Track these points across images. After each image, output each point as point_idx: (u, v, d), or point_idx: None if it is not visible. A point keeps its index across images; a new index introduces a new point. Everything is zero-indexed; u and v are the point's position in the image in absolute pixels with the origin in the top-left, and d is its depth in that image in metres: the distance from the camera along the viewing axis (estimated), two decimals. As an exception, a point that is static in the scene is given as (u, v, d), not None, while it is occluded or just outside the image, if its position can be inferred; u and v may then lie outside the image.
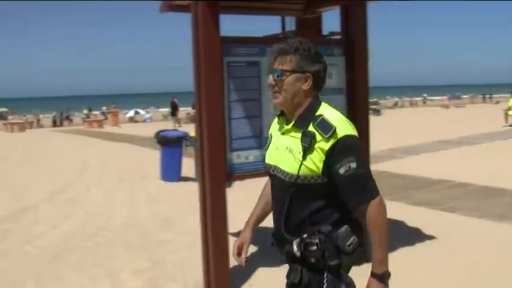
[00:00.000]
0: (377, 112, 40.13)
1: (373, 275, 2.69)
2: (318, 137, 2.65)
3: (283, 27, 7.39)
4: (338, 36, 6.69)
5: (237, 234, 3.47)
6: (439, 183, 11.26)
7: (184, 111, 45.89)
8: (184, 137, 13.47)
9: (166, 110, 46.88)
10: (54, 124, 47.34)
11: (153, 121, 46.21)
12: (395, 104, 64.98)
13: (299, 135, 2.73)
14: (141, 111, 55.47)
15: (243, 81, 5.59)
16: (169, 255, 6.97)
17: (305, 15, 7.04)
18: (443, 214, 8.67)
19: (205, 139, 5.34)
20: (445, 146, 17.99)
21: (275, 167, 2.88)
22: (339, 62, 6.16)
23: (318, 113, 2.74)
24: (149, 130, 24.54)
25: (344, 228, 2.72)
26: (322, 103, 2.82)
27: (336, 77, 6.13)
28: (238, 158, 5.51)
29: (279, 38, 6.76)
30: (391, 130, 23.54)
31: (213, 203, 5.38)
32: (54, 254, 7.15)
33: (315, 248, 2.68)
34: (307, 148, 2.67)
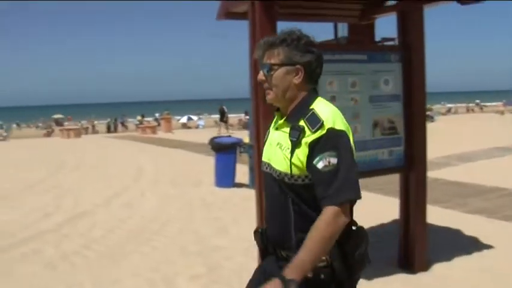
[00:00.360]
0: (430, 118, 39.53)
1: (279, 276, 2.41)
2: (307, 131, 2.51)
3: (336, 34, 7.37)
4: (391, 42, 6.64)
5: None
6: (495, 191, 11.05)
7: (236, 117, 46.18)
8: (239, 143, 13.55)
9: (218, 116, 47.34)
10: (109, 130, 48.26)
11: (206, 127, 46.63)
12: (449, 111, 63.97)
13: (288, 129, 2.59)
14: (194, 118, 56.00)
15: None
16: (224, 261, 7.00)
17: (361, 22, 7.00)
18: (500, 223, 8.50)
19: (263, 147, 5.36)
20: (500, 153, 17.66)
21: (268, 164, 2.74)
22: (395, 68, 6.09)
23: (310, 107, 2.59)
24: (202, 136, 24.81)
25: (352, 238, 2.58)
26: (318, 97, 2.68)
27: (392, 84, 6.07)
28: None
29: (332, 45, 6.75)
30: (445, 137, 23.16)
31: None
32: (111, 258, 7.28)
33: (324, 263, 2.51)
34: (295, 142, 2.53)
